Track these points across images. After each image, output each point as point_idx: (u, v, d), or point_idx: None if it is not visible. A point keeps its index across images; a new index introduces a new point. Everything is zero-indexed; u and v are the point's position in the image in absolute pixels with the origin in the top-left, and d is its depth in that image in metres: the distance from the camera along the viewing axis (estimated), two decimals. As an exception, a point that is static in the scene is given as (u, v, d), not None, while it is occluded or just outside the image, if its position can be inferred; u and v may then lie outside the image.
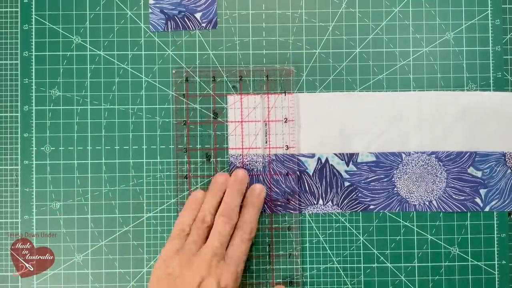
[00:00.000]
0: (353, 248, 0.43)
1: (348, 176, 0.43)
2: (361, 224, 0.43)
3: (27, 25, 0.43)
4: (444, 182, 0.43)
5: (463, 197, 0.43)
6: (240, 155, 0.43)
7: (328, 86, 0.43)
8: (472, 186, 0.43)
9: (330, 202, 0.43)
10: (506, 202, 0.43)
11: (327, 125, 0.43)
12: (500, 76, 0.43)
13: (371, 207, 0.43)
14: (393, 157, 0.43)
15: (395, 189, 0.43)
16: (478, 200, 0.43)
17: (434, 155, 0.43)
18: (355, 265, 0.43)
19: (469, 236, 0.43)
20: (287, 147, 0.43)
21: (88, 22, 0.43)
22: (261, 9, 0.43)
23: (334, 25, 0.43)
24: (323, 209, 0.43)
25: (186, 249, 0.38)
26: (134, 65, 0.43)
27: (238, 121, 0.43)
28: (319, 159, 0.43)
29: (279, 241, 0.43)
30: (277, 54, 0.43)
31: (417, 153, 0.43)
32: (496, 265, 0.43)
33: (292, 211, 0.43)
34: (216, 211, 0.40)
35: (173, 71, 0.43)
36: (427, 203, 0.43)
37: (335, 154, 0.43)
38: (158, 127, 0.43)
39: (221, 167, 0.43)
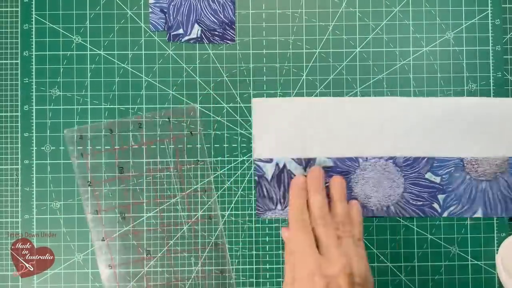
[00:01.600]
0: (353, 248, 0.43)
1: None
2: (361, 224, 0.43)
3: (27, 24, 0.43)
4: (401, 187, 0.42)
5: (421, 203, 0.42)
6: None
7: (328, 86, 0.43)
8: (430, 192, 0.42)
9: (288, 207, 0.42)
10: (465, 208, 0.42)
11: (285, 130, 0.42)
12: (500, 75, 0.43)
13: None
14: (350, 162, 0.42)
15: (352, 194, 0.42)
16: (436, 205, 0.42)
17: (391, 161, 0.42)
18: (355, 265, 0.43)
19: (469, 235, 0.43)
20: None
21: (88, 21, 0.43)
22: (261, 8, 0.43)
23: (334, 24, 0.43)
24: (281, 214, 0.43)
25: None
26: (134, 65, 0.43)
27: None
28: (277, 164, 0.42)
29: (279, 246, 0.43)
30: (277, 54, 0.43)
31: (375, 158, 0.42)
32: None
33: (229, 42, 0.42)
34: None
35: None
36: (384, 208, 0.42)
37: (293, 159, 0.42)
38: (158, 127, 0.43)
39: (221, 166, 0.43)
